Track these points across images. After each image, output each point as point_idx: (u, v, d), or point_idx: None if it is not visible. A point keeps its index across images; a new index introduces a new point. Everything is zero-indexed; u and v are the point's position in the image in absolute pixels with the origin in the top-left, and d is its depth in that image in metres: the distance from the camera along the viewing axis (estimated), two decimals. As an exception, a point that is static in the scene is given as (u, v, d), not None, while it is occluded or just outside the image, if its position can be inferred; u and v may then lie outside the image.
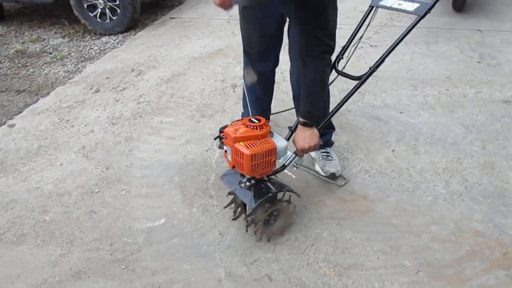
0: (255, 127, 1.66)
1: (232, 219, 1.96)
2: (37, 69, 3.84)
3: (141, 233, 1.97)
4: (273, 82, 2.30)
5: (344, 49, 2.00)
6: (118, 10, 4.42)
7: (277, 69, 2.25)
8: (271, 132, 1.75)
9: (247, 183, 1.76)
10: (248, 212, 1.83)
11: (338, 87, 2.81)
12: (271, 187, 1.77)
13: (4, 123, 2.95)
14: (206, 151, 2.48)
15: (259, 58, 2.12)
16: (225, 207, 2.00)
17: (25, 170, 2.43)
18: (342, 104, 1.91)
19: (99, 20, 4.49)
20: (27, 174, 2.40)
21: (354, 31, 1.98)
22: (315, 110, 1.79)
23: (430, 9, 1.68)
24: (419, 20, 1.72)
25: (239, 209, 1.93)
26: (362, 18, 1.97)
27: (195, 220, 2.02)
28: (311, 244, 1.86)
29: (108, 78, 3.49)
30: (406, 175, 2.22)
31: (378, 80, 3.09)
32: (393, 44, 1.79)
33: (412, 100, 2.87)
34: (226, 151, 1.76)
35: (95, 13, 4.45)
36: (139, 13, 4.60)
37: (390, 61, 3.35)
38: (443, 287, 1.65)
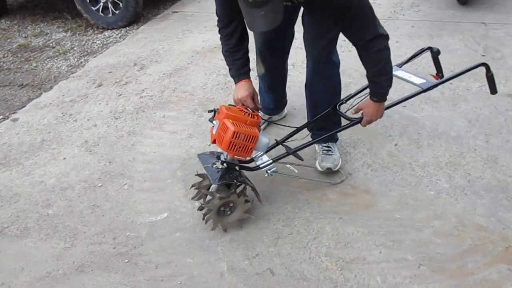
0: (247, 114, 1.77)
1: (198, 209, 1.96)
2: (40, 64, 3.84)
3: (143, 227, 1.98)
4: (284, 71, 2.34)
5: (350, 96, 2.08)
6: (121, 4, 4.40)
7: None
8: (260, 127, 1.82)
9: (219, 166, 1.84)
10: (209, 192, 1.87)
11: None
12: (238, 177, 1.83)
13: (8, 117, 2.97)
14: (209, 145, 2.48)
15: (268, 48, 2.13)
16: (192, 198, 2.03)
17: (29, 164, 2.45)
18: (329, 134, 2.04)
19: (101, 14, 4.48)
20: (31, 168, 2.41)
21: (364, 86, 2.05)
22: (383, 92, 1.80)
23: (434, 86, 1.97)
24: (420, 93, 1.98)
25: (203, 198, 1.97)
26: None
27: (198, 214, 2.02)
28: (313, 238, 1.87)
29: (110, 72, 3.50)
30: (408, 169, 2.21)
31: (381, 74, 3.07)
32: (395, 101, 2.00)
33: (415, 94, 2.85)
34: (213, 126, 1.82)
35: (97, 7, 4.43)
36: (141, 7, 4.58)
37: (393, 55, 3.32)
38: (445, 281, 1.65)
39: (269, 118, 2.54)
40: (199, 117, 2.78)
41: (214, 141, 1.81)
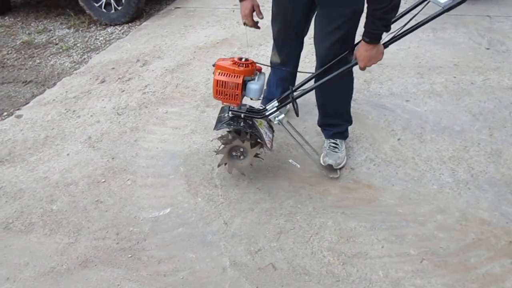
0: (237, 64, 1.88)
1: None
2: (44, 60, 3.85)
3: (146, 222, 1.99)
4: (296, 65, 2.35)
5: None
6: (123, 0, 4.40)
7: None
8: (255, 73, 1.92)
9: (227, 115, 1.99)
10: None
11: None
12: (241, 123, 1.97)
13: (12, 114, 2.98)
14: (211, 141, 2.48)
15: (285, 41, 2.18)
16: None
17: (33, 160, 2.46)
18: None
19: (104, 10, 4.48)
20: (35, 164, 2.42)
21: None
22: (377, 32, 1.67)
23: (455, 6, 1.65)
24: (442, 13, 1.69)
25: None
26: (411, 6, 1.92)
27: (200, 209, 2.03)
28: (315, 233, 1.87)
29: (113, 68, 3.50)
30: (411, 164, 2.20)
31: (384, 68, 3.05)
32: (412, 27, 1.75)
33: (418, 88, 2.84)
34: None
35: (100, 3, 4.44)
36: (144, 2, 4.58)
37: (396, 48, 3.32)
38: (447, 275, 1.65)
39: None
40: (201, 112, 2.78)
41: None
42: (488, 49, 3.27)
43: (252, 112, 2.01)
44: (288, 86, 2.41)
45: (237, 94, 1.87)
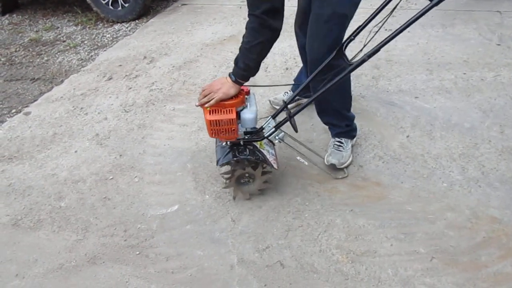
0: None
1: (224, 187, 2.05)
2: (51, 57, 3.87)
3: (154, 219, 1.99)
4: None
5: (356, 32, 1.87)
6: (130, -3, 4.41)
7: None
8: (244, 103, 1.82)
9: (226, 144, 1.92)
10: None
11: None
12: (244, 152, 1.88)
13: (20, 111, 3.00)
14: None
15: (301, 30, 2.17)
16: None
17: (41, 157, 2.47)
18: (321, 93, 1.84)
19: (111, 7, 4.49)
20: (43, 161, 2.43)
21: (372, 14, 1.90)
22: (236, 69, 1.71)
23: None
24: (430, 8, 1.63)
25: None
26: (384, 2, 1.87)
27: (208, 206, 2.03)
28: (323, 230, 1.86)
29: (120, 65, 3.50)
30: (421, 161, 2.18)
31: (393, 65, 3.02)
32: (396, 30, 1.68)
33: (427, 84, 2.80)
34: None
35: (107, 0, 4.44)
36: (150, 0, 4.58)
37: (405, 45, 3.28)
38: (458, 274, 1.63)
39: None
40: (208, 109, 2.77)
41: None
42: (498, 45, 3.22)
43: (251, 136, 1.92)
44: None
45: (233, 129, 1.79)
